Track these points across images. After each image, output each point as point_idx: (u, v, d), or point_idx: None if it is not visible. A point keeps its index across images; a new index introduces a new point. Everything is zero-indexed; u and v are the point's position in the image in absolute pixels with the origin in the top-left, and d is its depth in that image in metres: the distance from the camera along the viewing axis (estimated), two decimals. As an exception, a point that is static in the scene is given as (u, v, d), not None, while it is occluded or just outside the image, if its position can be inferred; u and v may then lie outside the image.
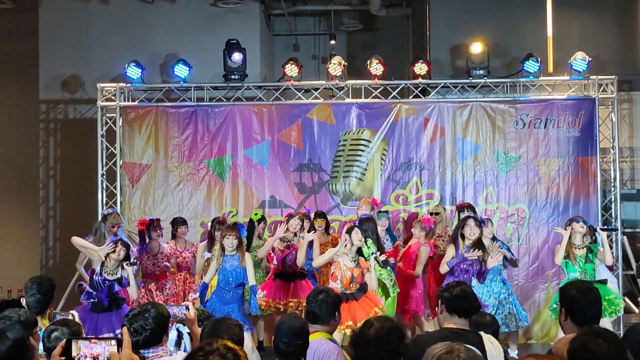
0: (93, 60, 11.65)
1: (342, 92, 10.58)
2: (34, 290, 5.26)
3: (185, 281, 9.22)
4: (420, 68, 10.41)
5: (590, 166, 10.24)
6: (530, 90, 10.54)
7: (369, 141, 10.43)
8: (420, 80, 10.49)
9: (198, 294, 7.89)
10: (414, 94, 10.62)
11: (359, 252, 7.74)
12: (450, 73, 11.58)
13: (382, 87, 10.56)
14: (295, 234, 8.67)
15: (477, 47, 10.41)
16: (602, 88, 10.37)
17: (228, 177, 10.45)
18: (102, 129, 10.51)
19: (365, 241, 7.89)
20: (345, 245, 7.56)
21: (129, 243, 8.17)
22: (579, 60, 10.22)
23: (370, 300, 7.63)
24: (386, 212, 9.51)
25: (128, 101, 10.63)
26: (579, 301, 4.03)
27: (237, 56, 10.43)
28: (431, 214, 9.71)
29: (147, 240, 8.99)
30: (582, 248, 8.26)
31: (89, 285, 7.74)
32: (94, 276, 7.68)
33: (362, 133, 10.46)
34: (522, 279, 10.00)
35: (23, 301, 5.37)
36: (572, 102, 10.37)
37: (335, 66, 10.36)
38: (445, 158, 10.38)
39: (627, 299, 10.18)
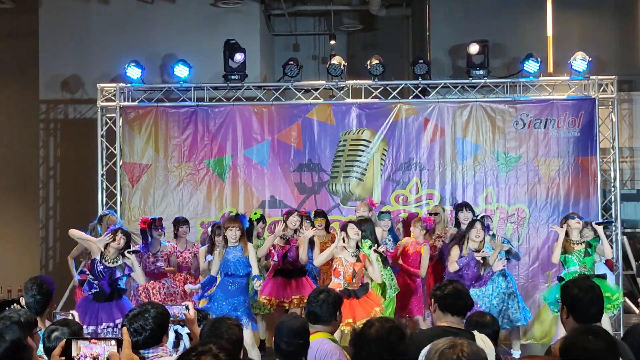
0: (93, 60, 11.65)
1: (342, 92, 10.58)
2: (34, 291, 5.26)
3: (186, 281, 9.21)
4: (420, 68, 10.41)
5: (590, 166, 10.24)
6: (530, 90, 10.54)
7: (369, 141, 10.43)
8: (420, 80, 10.49)
9: (199, 285, 7.90)
10: (414, 94, 10.62)
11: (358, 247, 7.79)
12: (450, 73, 11.58)
13: (382, 87, 10.56)
14: (295, 231, 8.68)
15: (474, 48, 10.41)
16: (602, 88, 10.37)
17: (228, 177, 10.45)
18: (102, 129, 10.52)
19: (363, 242, 7.90)
20: (343, 240, 7.59)
21: (129, 232, 8.19)
22: (579, 60, 10.22)
23: (372, 300, 7.65)
24: (388, 212, 9.52)
25: (128, 101, 10.63)
26: (581, 299, 4.03)
27: (239, 56, 10.44)
28: (430, 214, 9.72)
29: (149, 239, 9.00)
30: (581, 243, 8.24)
31: (90, 275, 7.76)
32: (95, 265, 7.71)
33: (362, 133, 10.46)
34: (522, 279, 9.99)
35: (22, 301, 5.37)
36: (572, 102, 10.37)
37: (336, 65, 10.36)
38: (445, 158, 10.38)
39: (627, 299, 10.20)
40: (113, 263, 7.72)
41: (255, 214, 9.22)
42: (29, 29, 12.37)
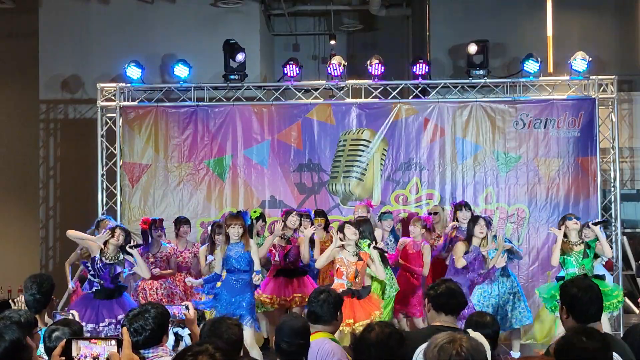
0: (93, 60, 11.65)
1: (342, 92, 10.58)
2: (34, 289, 5.26)
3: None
4: (420, 68, 10.42)
5: (590, 166, 10.24)
6: (530, 90, 10.54)
7: (369, 141, 10.44)
8: (420, 80, 10.50)
9: (201, 280, 7.90)
10: (414, 94, 10.63)
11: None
12: (450, 73, 11.58)
13: (382, 87, 10.57)
14: (295, 230, 8.68)
15: (472, 48, 10.42)
16: (602, 88, 10.37)
17: (228, 177, 10.46)
18: (102, 129, 10.52)
19: (362, 241, 7.90)
20: (341, 239, 7.59)
21: (128, 229, 8.19)
22: (579, 60, 10.23)
23: (372, 303, 7.65)
24: (390, 213, 9.53)
25: (128, 101, 10.63)
26: (580, 299, 4.03)
27: (240, 56, 10.45)
28: (430, 213, 9.72)
29: (150, 240, 9.00)
30: (580, 244, 8.22)
31: (90, 274, 7.76)
32: (95, 264, 7.70)
33: (362, 133, 10.46)
34: (522, 279, 9.98)
35: (22, 298, 5.38)
36: (572, 102, 10.37)
37: (336, 65, 10.37)
38: (445, 158, 10.39)
39: (627, 299, 10.20)
40: (113, 260, 7.73)
41: (255, 212, 9.22)
42: (29, 29, 12.38)
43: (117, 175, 10.45)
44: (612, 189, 10.39)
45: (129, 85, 10.56)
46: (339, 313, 4.78)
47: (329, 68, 10.46)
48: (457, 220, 9.05)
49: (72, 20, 11.91)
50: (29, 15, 12.34)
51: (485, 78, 10.46)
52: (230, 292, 7.60)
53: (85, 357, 3.28)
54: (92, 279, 7.70)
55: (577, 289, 4.09)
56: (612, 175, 10.41)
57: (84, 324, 7.16)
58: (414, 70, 10.44)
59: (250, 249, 7.64)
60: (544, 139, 10.33)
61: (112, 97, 10.57)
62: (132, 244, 7.99)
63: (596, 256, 8.41)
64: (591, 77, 10.35)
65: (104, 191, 10.50)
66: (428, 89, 10.66)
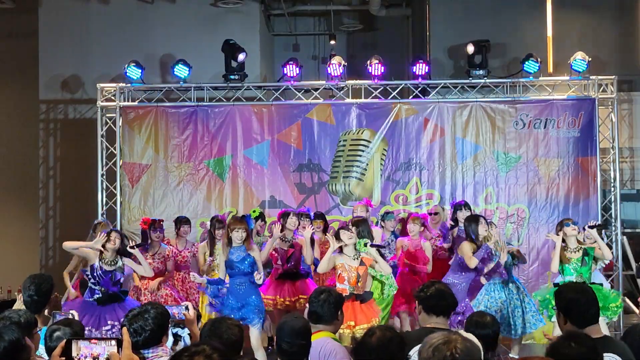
0: (93, 60, 11.65)
1: (342, 92, 10.59)
2: (32, 291, 5.26)
3: (184, 281, 9.20)
4: (420, 68, 10.42)
5: (590, 166, 10.25)
6: (530, 90, 10.54)
7: (368, 141, 10.44)
8: (420, 80, 10.50)
9: (205, 278, 7.89)
10: (414, 94, 10.63)
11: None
12: (450, 73, 11.58)
13: (382, 87, 10.57)
14: (295, 230, 8.68)
15: (470, 48, 10.43)
16: (602, 88, 10.37)
17: (228, 177, 10.46)
18: (102, 129, 10.52)
19: (360, 241, 7.90)
20: (343, 241, 7.59)
21: (123, 233, 8.18)
22: (579, 60, 10.23)
23: (373, 309, 7.66)
24: (392, 213, 9.54)
25: (128, 101, 10.63)
26: (577, 302, 4.03)
27: (241, 56, 10.45)
28: (430, 214, 9.73)
29: (149, 240, 9.00)
30: (578, 251, 8.08)
31: (91, 282, 7.72)
32: (94, 272, 7.67)
33: (362, 133, 10.46)
34: (522, 279, 9.96)
35: (20, 298, 5.37)
36: (572, 103, 10.38)
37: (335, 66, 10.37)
38: (445, 158, 10.39)
39: (627, 299, 10.19)
40: (112, 265, 7.69)
41: (254, 212, 9.24)
42: (29, 29, 12.38)
43: (117, 175, 10.45)
44: (612, 189, 10.39)
45: (129, 85, 10.56)
46: (339, 313, 4.79)
47: (328, 68, 10.46)
48: (457, 220, 9.06)
49: (72, 20, 11.90)
50: (29, 15, 12.34)
51: (485, 78, 10.46)
52: (236, 297, 7.58)
53: (85, 357, 3.28)
54: (93, 287, 7.66)
55: (572, 293, 4.09)
56: (612, 176, 10.41)
57: (87, 328, 7.16)
58: (414, 70, 10.44)
59: (253, 253, 7.64)
60: (544, 139, 10.34)
61: (112, 97, 10.57)
62: (132, 244, 7.99)
63: (596, 259, 8.36)
64: (591, 77, 10.36)
65: (104, 191, 10.49)
66: (428, 89, 10.66)
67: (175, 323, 4.50)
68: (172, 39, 11.65)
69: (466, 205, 9.28)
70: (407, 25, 14.49)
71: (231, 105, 10.54)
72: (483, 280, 8.21)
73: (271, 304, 8.48)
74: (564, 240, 8.11)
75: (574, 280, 7.94)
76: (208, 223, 9.03)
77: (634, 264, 10.53)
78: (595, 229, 8.22)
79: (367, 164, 10.43)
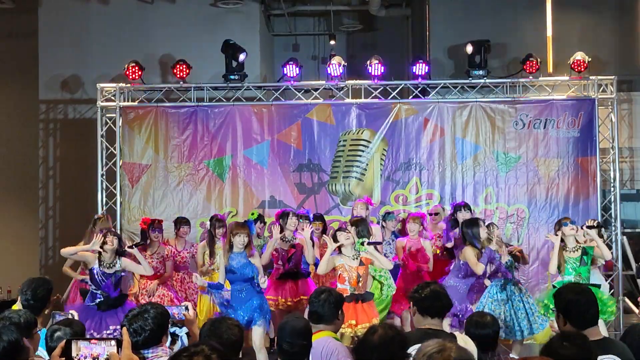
0: (93, 60, 11.65)
1: (341, 92, 10.58)
2: (28, 295, 5.24)
3: (183, 281, 9.19)
4: (420, 68, 10.42)
5: (589, 166, 10.25)
6: (529, 90, 10.54)
7: (368, 141, 10.44)
8: (420, 80, 10.50)
9: (206, 283, 7.90)
10: (414, 94, 10.63)
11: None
12: (450, 73, 11.58)
13: (382, 87, 10.57)
14: (294, 230, 8.68)
15: (469, 48, 10.43)
16: (601, 88, 10.37)
17: (228, 177, 10.46)
18: (101, 129, 10.52)
19: (358, 240, 7.91)
20: (340, 242, 7.59)
21: (119, 234, 8.20)
22: (579, 60, 10.23)
23: (373, 310, 7.67)
24: (393, 213, 9.54)
25: (128, 101, 10.63)
26: (576, 303, 4.03)
27: (242, 56, 10.45)
28: (431, 214, 9.73)
29: (148, 240, 9.00)
30: (577, 250, 8.07)
31: (92, 288, 7.71)
32: (95, 276, 7.66)
33: (361, 133, 10.46)
34: (522, 279, 9.97)
35: (19, 299, 5.36)
36: (571, 103, 10.38)
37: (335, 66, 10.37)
38: (445, 158, 10.39)
39: (627, 299, 10.19)
40: (111, 268, 7.68)
41: (252, 214, 9.26)
42: (29, 29, 12.37)
43: (116, 176, 10.45)
44: (612, 189, 10.39)
45: (128, 85, 10.56)
46: (340, 312, 4.80)
47: (328, 68, 10.46)
48: (457, 221, 9.05)
49: (72, 20, 11.90)
50: (29, 15, 12.33)
51: (485, 78, 10.46)
52: (239, 303, 7.58)
53: (85, 357, 3.28)
54: (95, 291, 7.64)
55: (572, 294, 4.09)
56: (612, 176, 10.41)
57: (89, 333, 7.17)
58: (414, 70, 10.44)
59: (253, 261, 7.64)
60: (544, 139, 10.34)
61: (112, 97, 10.57)
62: (130, 244, 7.99)
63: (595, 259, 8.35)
64: (591, 77, 10.36)
65: (104, 191, 10.49)
66: (428, 89, 10.66)
67: (172, 323, 4.50)
68: (172, 39, 11.64)
69: (466, 206, 9.28)
70: (407, 25, 14.49)
71: (231, 106, 10.54)
72: (487, 282, 8.21)
73: (273, 304, 8.48)
74: (562, 240, 8.11)
75: (573, 280, 7.94)
76: (208, 223, 9.03)
77: (634, 264, 10.53)
78: (594, 229, 8.23)
79: (367, 164, 10.43)
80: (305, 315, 4.87)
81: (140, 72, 10.41)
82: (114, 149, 10.50)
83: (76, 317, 5.07)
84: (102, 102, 10.53)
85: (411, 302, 4.62)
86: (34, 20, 12.10)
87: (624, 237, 10.42)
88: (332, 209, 10.39)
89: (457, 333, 4.35)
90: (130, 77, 10.40)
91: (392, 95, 10.50)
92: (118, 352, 3.28)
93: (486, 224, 8.41)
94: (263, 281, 7.69)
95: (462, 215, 9.02)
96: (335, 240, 7.60)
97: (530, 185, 10.31)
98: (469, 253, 7.88)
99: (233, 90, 10.69)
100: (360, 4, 14.15)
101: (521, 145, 10.36)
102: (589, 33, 11.73)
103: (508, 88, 10.57)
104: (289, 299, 8.53)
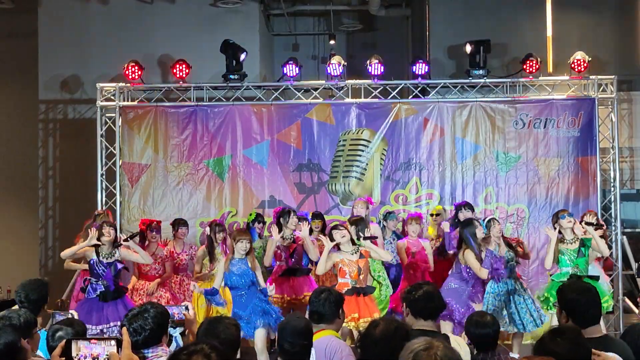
0: (93, 60, 11.64)
1: (341, 92, 10.58)
2: (22, 297, 5.25)
3: (182, 283, 9.18)
4: (420, 68, 10.41)
5: (589, 166, 10.24)
6: (529, 90, 10.54)
7: (368, 141, 10.43)
8: (419, 80, 10.49)
9: (202, 290, 7.90)
10: (414, 94, 10.62)
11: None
12: (449, 73, 11.58)
13: (382, 87, 10.56)
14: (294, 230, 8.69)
15: (468, 47, 10.43)
16: (601, 88, 10.37)
17: (227, 177, 10.45)
18: (101, 129, 10.51)
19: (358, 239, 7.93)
20: (336, 241, 7.61)
21: (114, 224, 8.26)
22: (579, 60, 10.22)
23: (374, 305, 7.69)
24: (393, 212, 9.54)
25: (127, 101, 10.63)
26: (578, 301, 4.03)
27: (243, 56, 10.45)
28: (432, 214, 9.73)
29: (146, 242, 9.01)
30: (575, 242, 8.15)
31: (92, 277, 7.78)
32: (94, 267, 7.76)
33: (361, 133, 10.46)
34: (522, 278, 9.97)
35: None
36: (571, 102, 10.37)
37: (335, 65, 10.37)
38: (444, 158, 10.38)
39: (627, 299, 10.19)
40: (109, 258, 7.78)
41: (250, 215, 9.27)
42: (29, 29, 12.36)
43: (116, 175, 10.44)
44: (612, 188, 10.39)
45: (128, 85, 10.55)
46: (340, 311, 4.80)
47: (328, 68, 10.46)
48: (459, 220, 9.04)
49: (72, 20, 11.89)
50: (29, 15, 12.32)
51: (485, 78, 10.45)
52: (240, 308, 7.61)
53: (85, 357, 3.28)
54: (95, 284, 7.70)
55: (575, 293, 4.09)
56: (612, 175, 10.40)
57: (93, 326, 7.21)
58: (414, 70, 10.44)
59: (254, 269, 7.64)
60: (544, 139, 10.33)
61: (112, 97, 10.56)
62: (125, 237, 8.07)
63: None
64: (591, 77, 10.36)
65: (104, 191, 10.49)
66: (428, 88, 10.66)
67: (172, 322, 4.49)
68: (171, 39, 11.63)
69: (467, 206, 9.28)
70: (407, 25, 14.48)
71: (231, 105, 10.53)
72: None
73: (279, 302, 8.47)
74: (560, 232, 8.14)
75: (570, 272, 7.96)
76: (208, 228, 9.01)
77: (634, 264, 10.53)
78: (592, 227, 8.26)
79: (367, 164, 10.43)
80: (306, 315, 4.87)
81: (140, 72, 10.41)
82: (114, 148, 10.49)
83: (76, 317, 5.07)
84: (101, 102, 10.53)
85: (404, 304, 4.60)
86: (33, 20, 12.10)
87: (624, 237, 10.42)
88: (332, 209, 10.39)
89: (451, 335, 4.34)
90: (130, 77, 10.40)
91: (392, 95, 10.50)
92: (118, 351, 3.27)
93: (487, 219, 8.44)
94: (272, 289, 7.75)
95: (464, 215, 9.04)
96: (331, 239, 7.62)
97: (530, 185, 10.31)
98: (471, 258, 7.84)
99: (233, 90, 10.69)
100: (360, 3, 14.15)
101: (521, 145, 10.35)
102: (589, 33, 11.73)
103: (508, 88, 10.56)
104: (294, 296, 8.53)
